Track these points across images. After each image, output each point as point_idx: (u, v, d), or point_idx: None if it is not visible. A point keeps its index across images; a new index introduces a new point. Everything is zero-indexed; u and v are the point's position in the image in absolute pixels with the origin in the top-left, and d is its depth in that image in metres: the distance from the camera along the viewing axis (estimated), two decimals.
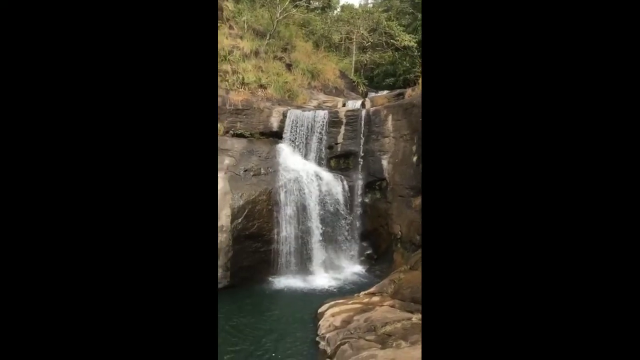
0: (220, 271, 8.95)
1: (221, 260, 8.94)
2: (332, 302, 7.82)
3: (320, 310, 7.65)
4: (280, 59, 13.10)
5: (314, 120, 10.54)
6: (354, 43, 18.44)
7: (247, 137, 10.47)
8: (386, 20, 18.49)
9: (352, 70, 17.59)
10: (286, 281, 9.36)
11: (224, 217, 9.04)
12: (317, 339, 6.88)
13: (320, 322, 7.22)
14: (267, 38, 13.52)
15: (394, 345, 5.90)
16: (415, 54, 18.17)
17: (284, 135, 10.59)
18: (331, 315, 7.24)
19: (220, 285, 8.88)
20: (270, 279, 9.40)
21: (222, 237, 8.96)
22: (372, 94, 14.68)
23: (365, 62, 19.17)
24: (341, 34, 18.63)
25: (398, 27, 18.57)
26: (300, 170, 10.04)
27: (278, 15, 13.91)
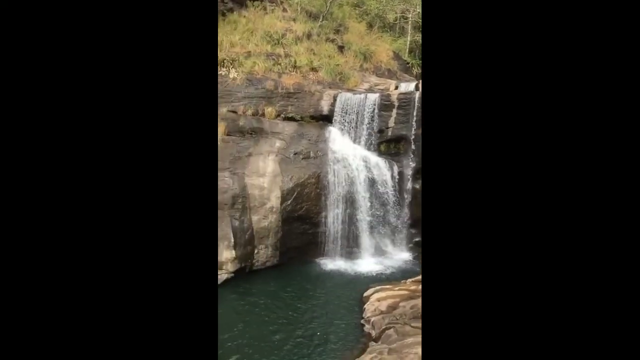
0: (269, 250, 9.28)
1: (271, 240, 9.26)
2: (378, 287, 7.82)
3: (365, 294, 7.70)
4: (333, 40, 12.94)
5: (365, 104, 10.37)
6: (410, 22, 17.70)
7: (298, 120, 10.57)
8: None
9: (407, 51, 16.95)
10: (332, 263, 9.50)
11: (274, 199, 9.30)
12: (362, 321, 6.95)
13: (365, 306, 7.27)
14: (320, 20, 13.39)
15: None
16: None
17: (333, 119, 10.55)
18: (377, 300, 7.26)
19: (269, 264, 9.24)
20: (317, 260, 9.59)
21: (272, 218, 9.24)
22: None
23: (421, 42, 18.36)
24: (396, 13, 17.95)
25: None
26: (349, 155, 9.99)
27: None
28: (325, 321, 7.18)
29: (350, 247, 9.83)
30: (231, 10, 12.79)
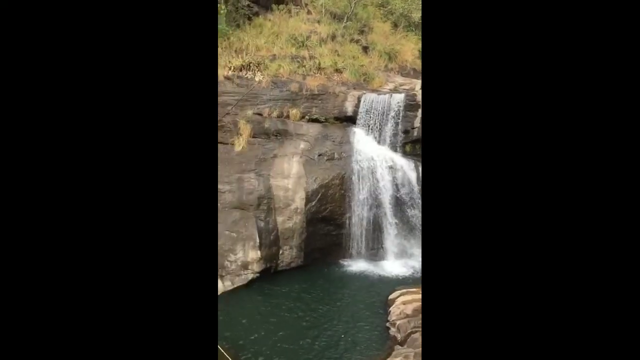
0: (294, 251, 9.33)
1: (295, 241, 9.31)
2: (404, 290, 7.71)
3: (391, 297, 7.61)
4: (357, 41, 12.88)
5: (390, 104, 10.26)
6: None
7: (322, 122, 10.58)
8: None
9: None
10: (357, 265, 9.44)
11: (298, 200, 9.35)
12: (388, 324, 6.87)
13: (390, 309, 7.18)
14: (344, 21, 13.37)
15: None
16: None
17: (358, 120, 10.50)
18: (402, 303, 7.16)
19: (293, 265, 9.29)
20: (341, 261, 9.56)
21: (297, 219, 9.29)
22: None
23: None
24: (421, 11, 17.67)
25: None
26: (374, 156, 9.91)
27: None
28: (350, 324, 7.15)
29: (375, 249, 9.75)
30: (257, 14, 12.98)
